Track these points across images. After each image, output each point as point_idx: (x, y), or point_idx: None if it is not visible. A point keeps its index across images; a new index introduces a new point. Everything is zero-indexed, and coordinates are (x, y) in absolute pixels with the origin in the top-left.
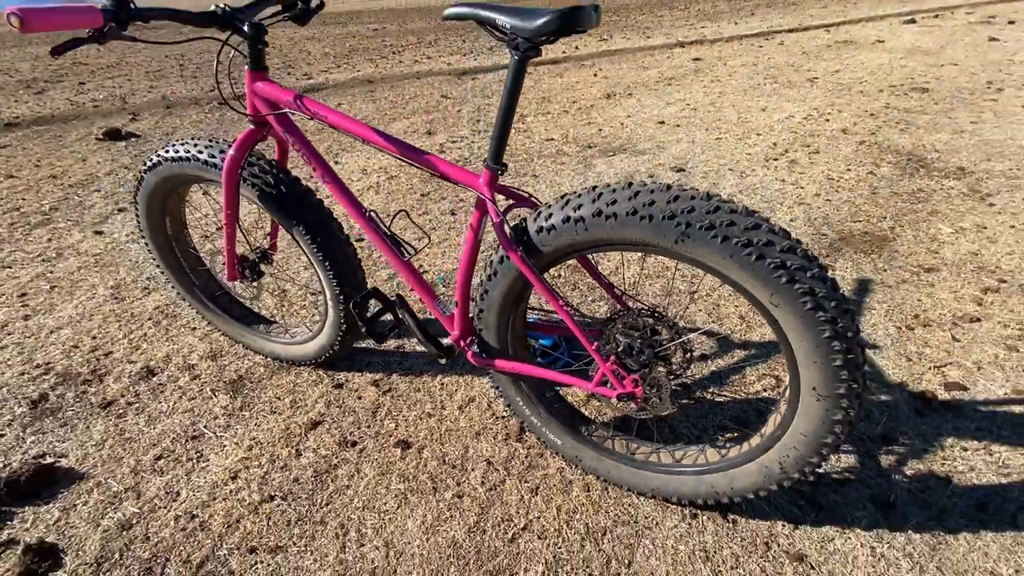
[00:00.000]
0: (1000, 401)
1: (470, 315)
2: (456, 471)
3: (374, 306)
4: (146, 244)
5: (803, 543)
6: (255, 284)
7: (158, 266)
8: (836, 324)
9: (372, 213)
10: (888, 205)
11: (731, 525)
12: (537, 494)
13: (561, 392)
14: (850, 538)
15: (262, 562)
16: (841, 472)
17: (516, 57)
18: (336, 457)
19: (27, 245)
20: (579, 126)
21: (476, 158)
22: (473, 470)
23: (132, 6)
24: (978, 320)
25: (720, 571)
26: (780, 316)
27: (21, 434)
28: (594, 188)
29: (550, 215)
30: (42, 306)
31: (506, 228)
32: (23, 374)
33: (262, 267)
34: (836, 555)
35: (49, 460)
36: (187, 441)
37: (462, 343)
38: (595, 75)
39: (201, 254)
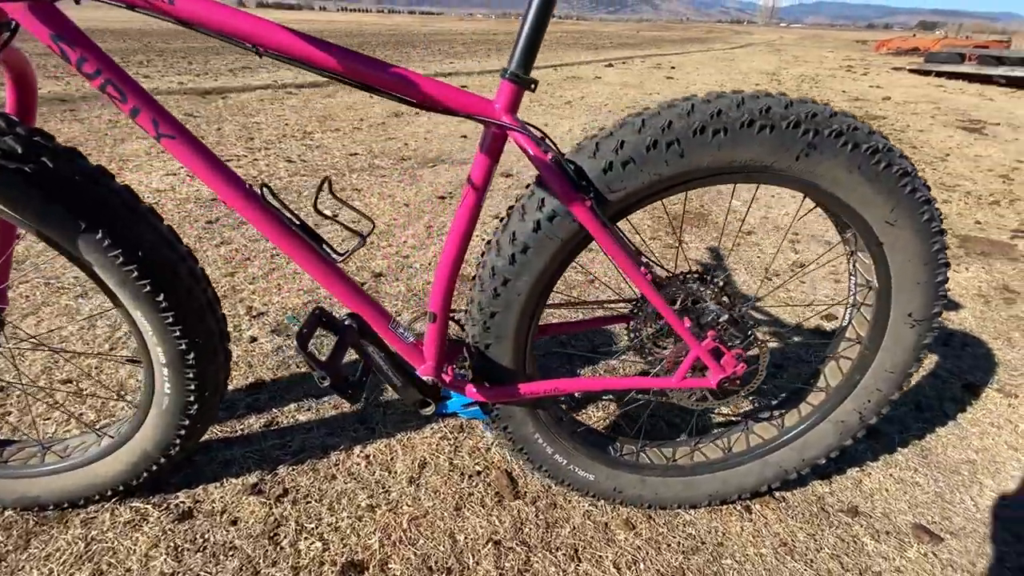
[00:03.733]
0: None
1: (473, 336)
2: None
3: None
4: None
5: (845, 495)
6: None
7: None
8: (944, 235)
9: (265, 189)
10: None
11: (784, 504)
12: (579, 558)
13: (572, 413)
14: (874, 473)
15: None
16: None
17: None
18: None
19: None
20: (380, 141)
21: (267, 175)
22: (480, 563)
23: None
24: None
25: (811, 558)
26: (892, 236)
27: None
28: (673, 103)
29: (621, 143)
30: None
31: (565, 166)
32: None
33: None
34: (877, 495)
35: None
36: None
37: (442, 376)
38: (371, 98)
39: None
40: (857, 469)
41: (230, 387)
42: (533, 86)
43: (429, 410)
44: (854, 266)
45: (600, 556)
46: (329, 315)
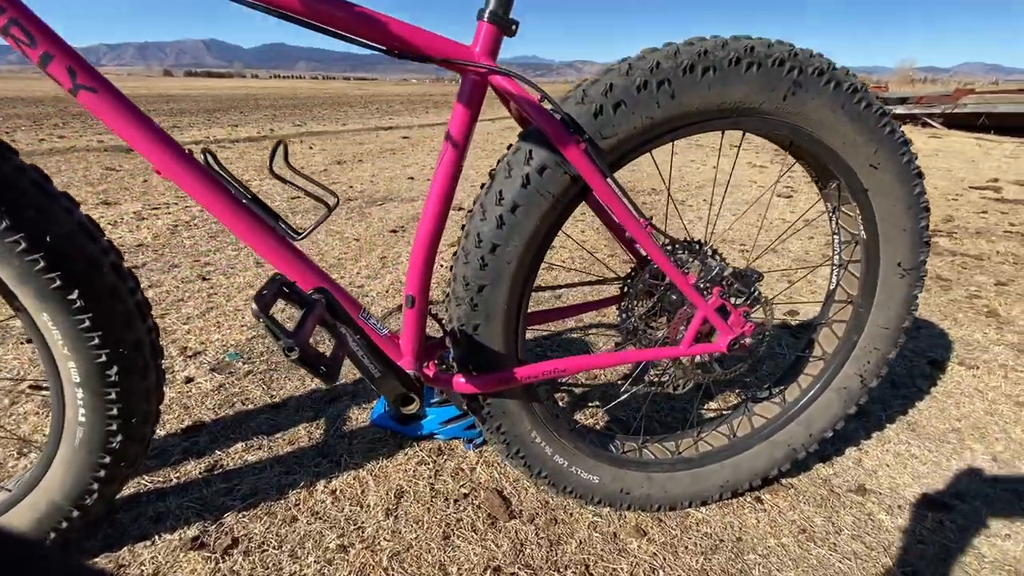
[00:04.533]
0: None
1: (458, 318)
2: None
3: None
4: None
5: (849, 475)
6: None
7: None
8: (922, 179)
9: (207, 155)
10: None
11: (793, 491)
12: (591, 574)
13: (566, 407)
14: (871, 451)
15: None
16: None
17: None
18: None
19: None
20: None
21: (201, 219)
22: None
23: None
24: None
25: (833, 542)
26: (876, 181)
27: None
28: (658, 48)
29: (610, 86)
30: None
31: (555, 109)
32: None
33: None
34: (880, 472)
35: None
36: None
37: (423, 371)
38: (310, 148)
39: None
40: (854, 448)
41: (161, 432)
42: (515, 27)
43: (413, 407)
44: (837, 224)
45: (615, 569)
46: (292, 285)
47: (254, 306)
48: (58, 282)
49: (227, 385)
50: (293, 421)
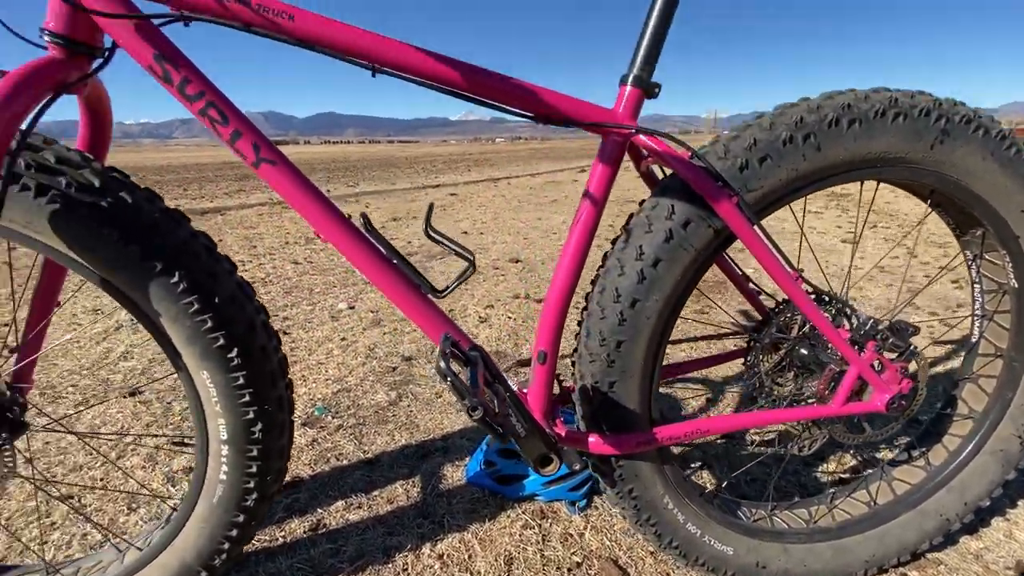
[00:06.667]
0: None
1: (592, 375)
2: None
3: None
4: None
5: (1002, 549)
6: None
7: None
8: None
9: (364, 218)
10: None
11: (944, 568)
12: None
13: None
14: (1021, 521)
15: None
16: None
17: None
18: None
19: None
20: None
21: (275, 276)
22: None
23: None
24: None
25: None
26: None
27: None
28: (797, 104)
29: (754, 141)
30: None
31: (706, 166)
32: None
33: (13, 414)
34: None
35: None
36: None
37: (554, 428)
38: (367, 206)
39: None
40: (1002, 519)
41: None
42: (657, 90)
43: (551, 468)
44: (979, 272)
45: None
46: (457, 343)
47: (441, 364)
48: (221, 341)
49: (319, 440)
50: (388, 478)
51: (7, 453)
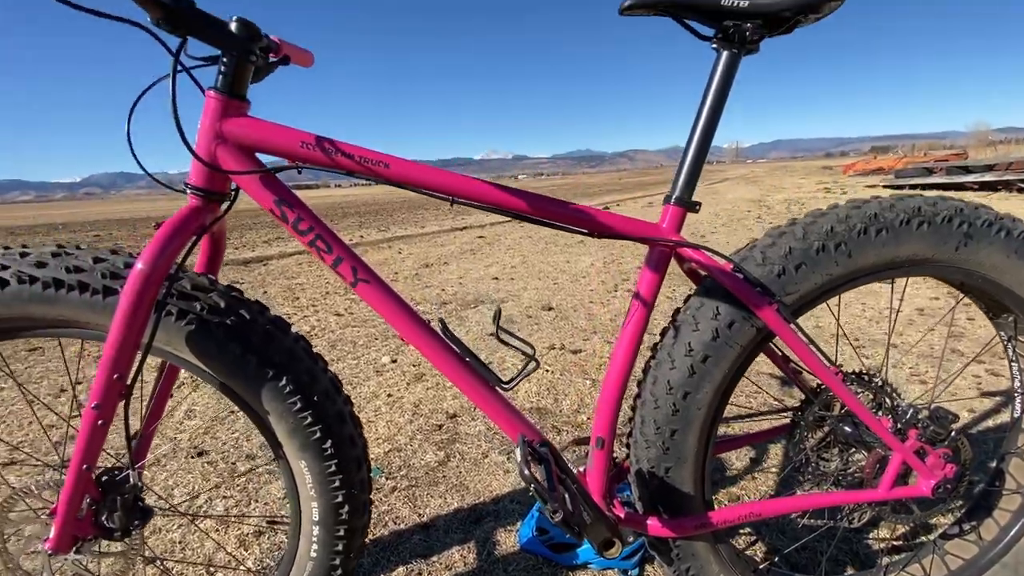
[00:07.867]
0: None
1: (648, 460)
2: None
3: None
4: None
5: None
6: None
7: None
8: None
9: (441, 322)
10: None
11: None
12: None
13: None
14: None
15: None
16: None
17: (729, 52)
18: None
19: None
20: (418, 289)
21: (319, 328)
22: None
23: None
24: None
25: None
26: None
27: None
28: (826, 212)
29: (789, 250)
30: None
31: (748, 277)
32: None
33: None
34: None
35: None
36: None
37: (613, 511)
38: (399, 252)
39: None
40: None
41: None
42: (697, 207)
43: (614, 551)
44: (1015, 352)
45: None
46: (532, 443)
47: (525, 472)
48: (318, 434)
49: (377, 503)
50: (444, 543)
51: (137, 539)
